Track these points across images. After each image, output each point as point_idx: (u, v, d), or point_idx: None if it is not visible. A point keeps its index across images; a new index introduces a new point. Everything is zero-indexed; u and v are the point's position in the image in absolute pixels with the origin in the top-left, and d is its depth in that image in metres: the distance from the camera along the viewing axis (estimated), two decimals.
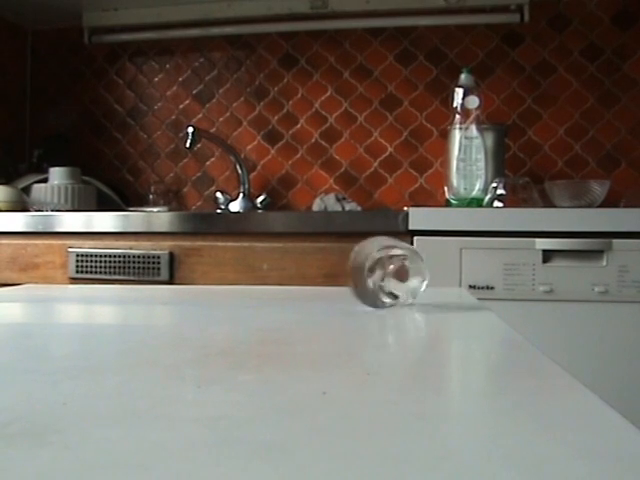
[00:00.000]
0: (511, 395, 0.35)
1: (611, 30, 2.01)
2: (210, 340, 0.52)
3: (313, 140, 2.18)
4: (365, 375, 0.40)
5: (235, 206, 2.07)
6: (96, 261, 1.58)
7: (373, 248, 0.68)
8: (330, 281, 1.48)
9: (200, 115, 2.25)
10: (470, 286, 1.40)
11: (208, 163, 2.25)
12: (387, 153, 2.13)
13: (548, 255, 1.40)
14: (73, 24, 2.27)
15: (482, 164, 1.67)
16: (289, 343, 0.51)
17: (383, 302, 0.67)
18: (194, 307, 0.75)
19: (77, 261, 1.59)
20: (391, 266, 0.66)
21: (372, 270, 0.66)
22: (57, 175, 1.90)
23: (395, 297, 0.67)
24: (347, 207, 1.96)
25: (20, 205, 1.80)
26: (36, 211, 1.75)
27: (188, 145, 1.99)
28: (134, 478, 0.23)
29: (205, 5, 2.17)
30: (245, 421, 0.29)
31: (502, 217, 1.44)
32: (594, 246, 1.39)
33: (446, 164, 1.75)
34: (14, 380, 0.37)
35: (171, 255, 1.56)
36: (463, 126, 1.68)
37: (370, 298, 0.67)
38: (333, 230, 1.50)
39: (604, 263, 1.38)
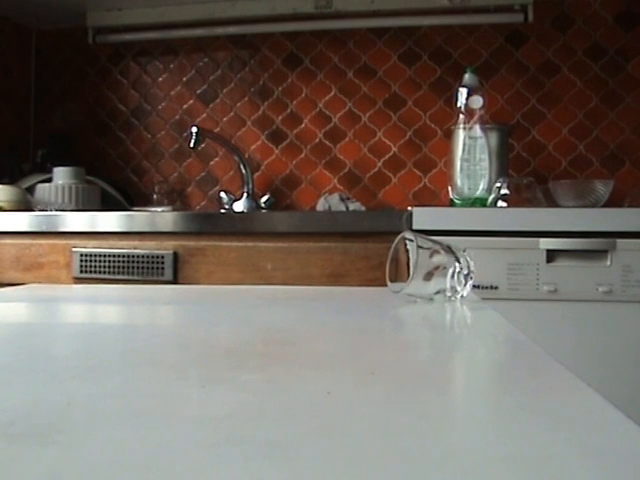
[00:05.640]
0: (515, 395, 0.35)
1: (615, 30, 2.01)
2: (214, 340, 0.52)
3: (317, 140, 2.17)
4: (369, 375, 0.40)
5: (239, 206, 2.07)
6: (100, 261, 1.59)
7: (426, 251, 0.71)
8: (334, 281, 1.48)
9: (204, 115, 2.25)
10: (474, 286, 1.40)
11: (212, 163, 2.25)
12: (391, 153, 2.12)
13: (552, 255, 1.40)
14: (77, 24, 2.27)
15: (486, 164, 1.66)
16: (293, 343, 0.51)
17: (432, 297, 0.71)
18: (198, 307, 0.75)
19: (81, 261, 1.60)
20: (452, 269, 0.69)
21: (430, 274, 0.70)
22: (61, 175, 1.90)
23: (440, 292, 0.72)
24: (351, 207, 1.96)
25: (24, 205, 1.80)
26: (40, 211, 1.75)
27: (192, 145, 1.99)
28: (138, 478, 0.23)
29: (209, 5, 2.17)
30: (249, 421, 0.29)
31: (506, 217, 1.44)
32: (598, 246, 1.38)
33: (450, 164, 1.75)
34: (18, 380, 0.37)
35: (175, 255, 1.56)
36: (467, 126, 1.68)
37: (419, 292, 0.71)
38: (337, 230, 1.50)
39: (608, 263, 1.38)
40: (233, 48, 2.24)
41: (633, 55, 1.99)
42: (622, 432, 0.28)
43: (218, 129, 2.23)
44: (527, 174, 1.98)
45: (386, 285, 0.74)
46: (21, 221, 1.63)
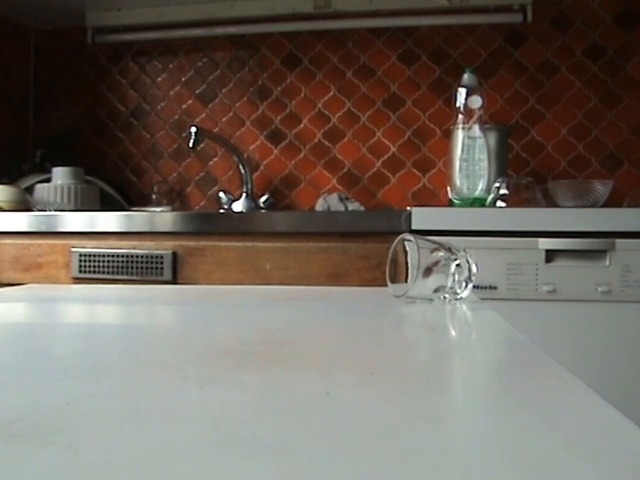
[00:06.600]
0: (514, 395, 0.35)
1: (614, 30, 2.01)
2: (213, 340, 0.52)
3: (316, 140, 2.17)
4: (368, 375, 0.40)
5: (238, 206, 2.07)
6: (99, 261, 1.58)
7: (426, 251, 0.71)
8: (333, 281, 1.48)
9: (203, 115, 2.25)
10: (473, 286, 1.40)
11: (211, 163, 2.25)
12: (390, 153, 2.13)
13: (551, 255, 1.40)
14: (76, 24, 2.27)
15: (485, 164, 1.66)
16: (292, 343, 0.51)
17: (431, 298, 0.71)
18: (197, 307, 0.75)
19: (80, 261, 1.59)
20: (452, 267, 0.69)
21: (429, 271, 0.70)
22: (60, 175, 1.90)
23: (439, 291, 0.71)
24: (350, 207, 1.96)
25: (23, 205, 1.80)
26: (39, 211, 1.75)
27: (191, 145, 1.99)
28: (137, 478, 0.23)
29: (208, 5, 2.17)
30: (248, 421, 0.29)
31: (505, 217, 1.44)
32: (597, 246, 1.38)
33: (449, 164, 1.75)
34: (17, 380, 0.37)
35: (174, 255, 1.56)
36: (466, 126, 1.68)
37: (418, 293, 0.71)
38: (336, 230, 1.50)
39: (607, 263, 1.38)
40: (232, 48, 2.24)
41: (632, 55, 2.00)
42: (621, 432, 0.28)
43: (217, 129, 2.23)
44: (526, 174, 1.98)
45: (385, 285, 0.74)
46: (20, 221, 1.63)
